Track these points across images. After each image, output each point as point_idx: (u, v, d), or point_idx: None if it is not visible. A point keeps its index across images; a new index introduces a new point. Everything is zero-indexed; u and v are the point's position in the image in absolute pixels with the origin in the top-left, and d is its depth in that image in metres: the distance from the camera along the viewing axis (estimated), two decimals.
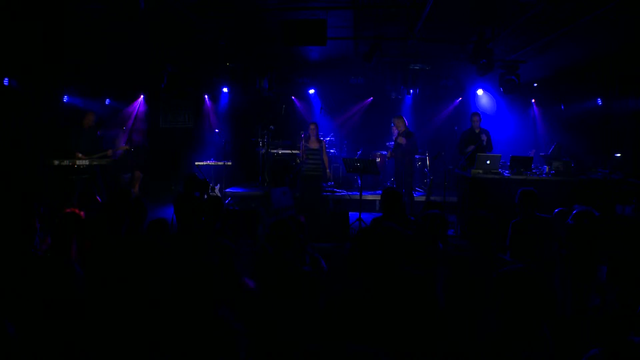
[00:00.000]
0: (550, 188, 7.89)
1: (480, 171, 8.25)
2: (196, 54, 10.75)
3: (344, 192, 11.14)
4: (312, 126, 9.61)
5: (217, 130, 10.25)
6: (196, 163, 10.46)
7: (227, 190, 11.43)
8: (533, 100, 11.80)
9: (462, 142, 9.21)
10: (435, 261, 4.09)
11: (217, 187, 11.32)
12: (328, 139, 11.95)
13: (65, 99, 11.10)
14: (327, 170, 9.71)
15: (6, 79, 9.48)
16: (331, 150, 11.83)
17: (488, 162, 8.27)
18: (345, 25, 8.43)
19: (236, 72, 11.17)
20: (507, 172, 8.35)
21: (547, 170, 8.29)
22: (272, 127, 9.49)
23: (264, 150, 11.59)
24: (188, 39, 9.32)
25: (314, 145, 9.57)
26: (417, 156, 11.35)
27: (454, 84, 11.61)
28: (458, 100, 12.26)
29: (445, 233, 4.59)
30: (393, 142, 11.61)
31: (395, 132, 11.89)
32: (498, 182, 8.03)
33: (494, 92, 11.52)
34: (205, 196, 7.16)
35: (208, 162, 10.64)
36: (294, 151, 11.39)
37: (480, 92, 11.82)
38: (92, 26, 8.52)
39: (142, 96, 12.95)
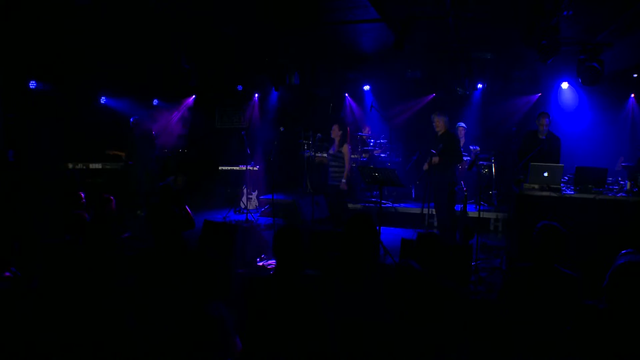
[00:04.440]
0: (629, 213, 5.79)
1: (535, 186, 6.32)
2: (229, 49, 9.87)
3: (389, 204, 9.59)
4: (335, 127, 8.18)
5: (242, 133, 9.32)
6: (220, 167, 9.57)
7: (263, 197, 10.46)
8: (632, 95, 9.22)
9: (522, 146, 7.27)
10: None
11: (254, 193, 10.39)
12: (379, 141, 10.46)
13: (103, 100, 10.85)
14: (343, 180, 7.78)
15: (33, 81, 9.34)
16: (382, 155, 10.31)
17: (546, 174, 6.31)
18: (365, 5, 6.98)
19: (275, 67, 10.15)
20: (571, 188, 6.33)
21: (628, 186, 6.12)
22: (282, 128, 8.26)
23: (308, 154, 10.49)
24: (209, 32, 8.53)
25: (336, 149, 8.21)
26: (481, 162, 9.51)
27: (530, 75, 9.46)
28: (536, 97, 10.04)
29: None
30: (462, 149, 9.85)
31: (463, 134, 10.12)
32: (554, 202, 6.06)
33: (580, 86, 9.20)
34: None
35: (233, 167, 9.71)
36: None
37: (565, 85, 9.53)
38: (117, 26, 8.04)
39: (193, 96, 12.47)
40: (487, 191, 9.43)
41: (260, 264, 6.79)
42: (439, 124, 7.41)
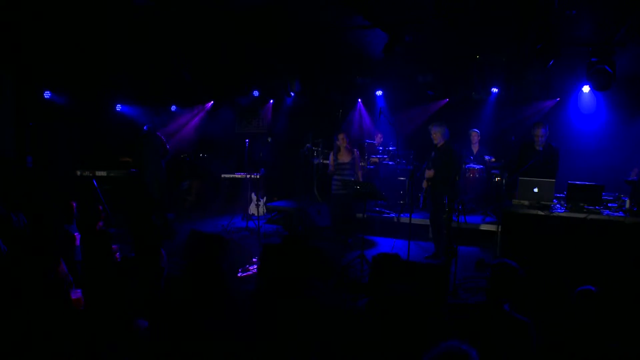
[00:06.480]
0: (624, 236, 5.23)
1: (525, 202, 5.88)
2: (241, 56, 9.82)
3: (393, 214, 9.24)
4: (340, 136, 8.09)
5: (247, 140, 9.25)
6: (222, 175, 9.54)
7: (270, 204, 10.37)
8: None
9: (518, 158, 6.79)
10: None
11: (262, 200, 10.31)
12: (388, 148, 10.11)
13: (118, 107, 11.09)
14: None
15: (48, 92, 9.65)
16: (389, 162, 9.96)
17: (536, 189, 5.84)
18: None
19: (279, 75, 10.06)
20: (565, 206, 5.81)
21: (627, 205, 5.54)
22: (270, 139, 8.11)
23: (317, 161, 10.31)
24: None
25: (344, 158, 8.04)
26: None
27: (547, 79, 8.81)
28: (553, 102, 9.35)
29: None
30: (472, 157, 9.39)
31: (476, 140, 9.64)
32: (542, 221, 5.59)
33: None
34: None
35: (235, 175, 9.67)
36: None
37: (586, 89, 8.81)
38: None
39: (211, 102, 12.54)
40: (497, 202, 8.90)
41: (241, 275, 6.71)
42: (436, 136, 7.02)
